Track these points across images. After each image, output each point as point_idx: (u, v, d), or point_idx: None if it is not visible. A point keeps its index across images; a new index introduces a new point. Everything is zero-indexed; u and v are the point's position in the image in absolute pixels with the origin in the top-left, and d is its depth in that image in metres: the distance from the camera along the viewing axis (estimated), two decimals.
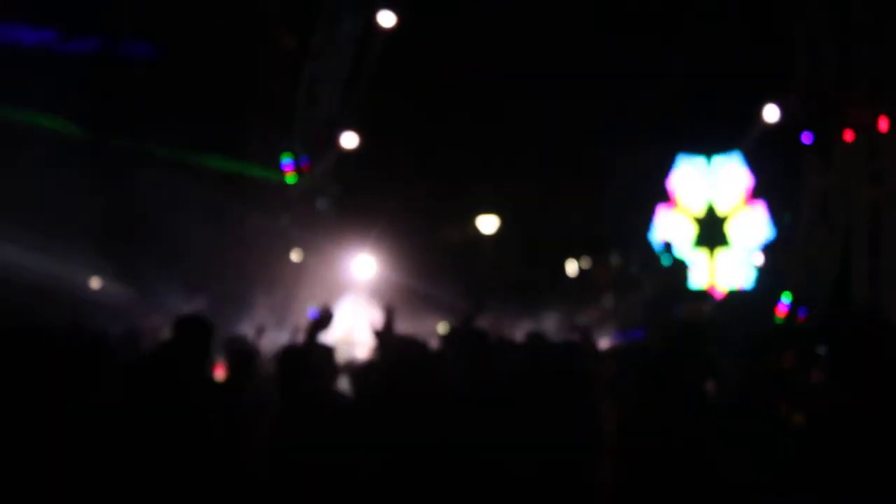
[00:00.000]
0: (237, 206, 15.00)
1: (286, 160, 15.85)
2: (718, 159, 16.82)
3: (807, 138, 15.57)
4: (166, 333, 10.91)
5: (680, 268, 15.33)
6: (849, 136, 15.21)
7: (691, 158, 16.86)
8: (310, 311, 13.87)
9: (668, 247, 15.37)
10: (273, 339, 10.87)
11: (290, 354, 5.38)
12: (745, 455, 4.67)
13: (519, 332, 9.58)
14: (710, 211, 16.63)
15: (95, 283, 14.86)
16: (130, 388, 4.50)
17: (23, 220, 13.12)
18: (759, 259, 16.09)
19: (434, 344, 7.95)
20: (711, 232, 16.51)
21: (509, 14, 14.54)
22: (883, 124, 14.79)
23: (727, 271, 16.38)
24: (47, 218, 13.59)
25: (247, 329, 11.60)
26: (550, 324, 12.53)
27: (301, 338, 6.39)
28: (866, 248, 15.07)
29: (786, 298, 15.46)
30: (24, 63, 13.81)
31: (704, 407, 5.08)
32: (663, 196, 16.65)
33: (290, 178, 15.82)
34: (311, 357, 5.43)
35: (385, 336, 6.16)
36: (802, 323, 14.67)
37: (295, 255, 15.62)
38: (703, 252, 16.68)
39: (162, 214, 14.14)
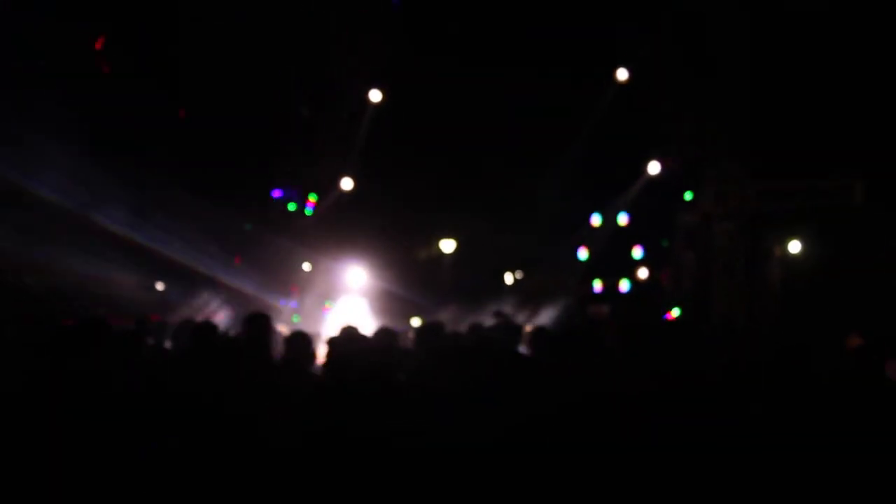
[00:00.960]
0: (265, 230, 16.14)
1: (302, 198, 16.64)
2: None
3: (687, 191, 16.38)
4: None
5: (588, 280, 16.91)
6: (688, 190, 16.19)
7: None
8: (324, 311, 14.81)
9: (580, 264, 16.82)
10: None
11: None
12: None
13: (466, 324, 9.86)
14: (610, 240, 17.03)
15: (160, 285, 15.64)
16: (217, 364, 4.92)
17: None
18: (644, 274, 16.95)
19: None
20: (610, 254, 16.92)
21: (465, 96, 15.30)
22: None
23: (621, 283, 16.97)
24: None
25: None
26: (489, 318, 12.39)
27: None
28: (721, 267, 16.25)
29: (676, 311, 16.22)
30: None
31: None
32: (577, 226, 17.19)
33: (306, 211, 16.72)
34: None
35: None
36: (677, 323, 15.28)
37: (306, 267, 16.38)
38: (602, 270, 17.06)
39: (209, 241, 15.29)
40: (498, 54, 15.40)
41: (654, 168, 16.39)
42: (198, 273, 15.27)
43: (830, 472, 4.05)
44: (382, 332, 6.83)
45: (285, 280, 16.09)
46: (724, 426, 4.22)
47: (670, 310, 16.13)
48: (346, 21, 16.18)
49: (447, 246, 18.71)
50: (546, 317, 15.04)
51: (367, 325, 11.36)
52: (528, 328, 8.34)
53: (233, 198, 15.97)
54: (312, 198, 16.58)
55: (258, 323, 5.82)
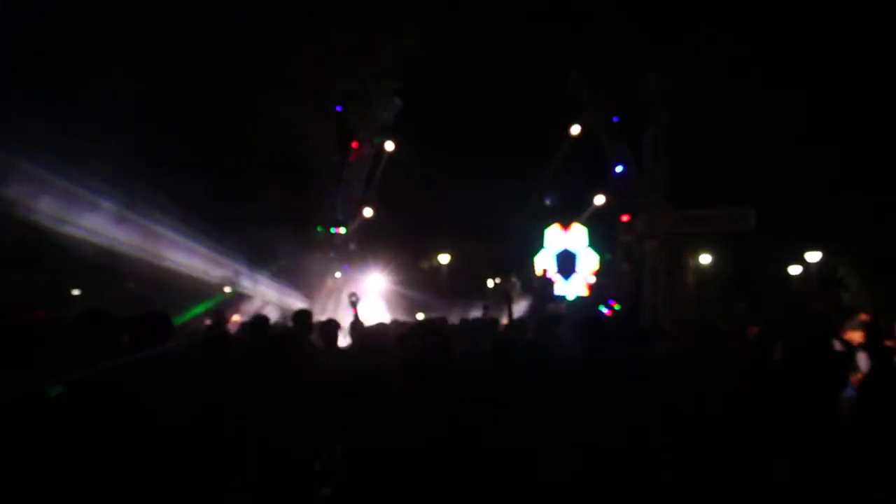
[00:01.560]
0: (306, 249, 16.91)
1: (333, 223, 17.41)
2: (573, 224, 17.72)
3: (624, 217, 17.34)
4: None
5: (549, 284, 17.17)
6: (625, 217, 17.16)
7: (554, 226, 17.72)
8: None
9: (544, 272, 17.18)
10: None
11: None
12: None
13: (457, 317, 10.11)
14: (566, 252, 17.54)
15: (227, 288, 16.17)
16: (277, 350, 4.78)
17: None
18: (592, 279, 17.48)
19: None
20: (566, 264, 17.45)
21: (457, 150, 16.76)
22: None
23: (575, 286, 17.44)
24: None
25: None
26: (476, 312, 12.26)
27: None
28: (650, 274, 17.23)
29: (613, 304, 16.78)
30: None
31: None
32: (541, 244, 17.72)
33: (336, 232, 17.38)
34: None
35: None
36: (614, 314, 16.18)
37: (337, 275, 17.00)
38: (561, 275, 17.47)
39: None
40: (480, 129, 16.86)
41: (599, 200, 17.53)
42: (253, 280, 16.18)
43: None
44: (397, 324, 7.11)
45: (322, 286, 16.88)
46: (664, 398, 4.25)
47: (612, 307, 16.79)
48: (363, 94, 17.06)
49: (444, 258, 20.01)
50: (517, 311, 14.71)
51: (383, 318, 11.99)
52: (505, 321, 8.74)
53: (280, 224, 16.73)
54: (342, 229, 17.32)
55: (303, 316, 6.27)
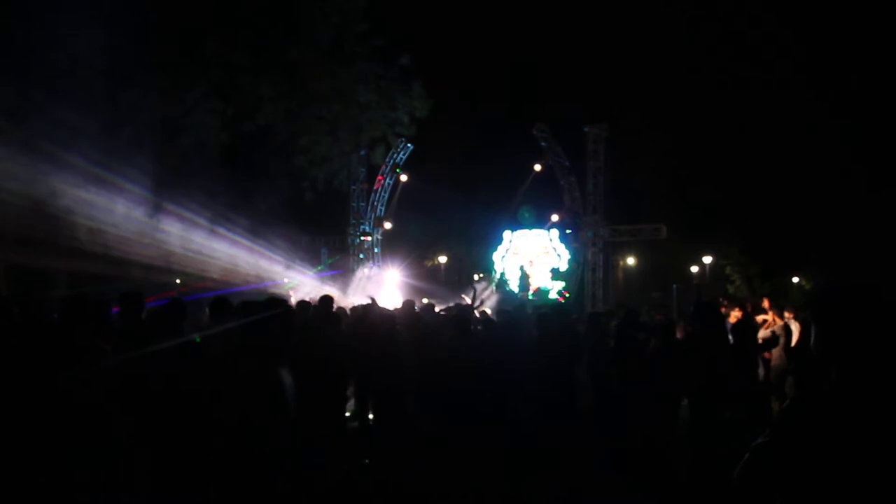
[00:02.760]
0: (342, 252, 19.18)
1: (362, 233, 19.25)
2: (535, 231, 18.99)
3: (571, 230, 18.83)
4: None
5: (524, 279, 18.54)
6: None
7: (517, 231, 18.94)
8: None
9: (521, 269, 18.68)
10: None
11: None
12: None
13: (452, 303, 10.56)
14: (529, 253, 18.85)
15: (287, 279, 17.51)
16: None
17: None
18: (549, 275, 18.81)
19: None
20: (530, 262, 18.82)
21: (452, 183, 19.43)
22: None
23: (538, 280, 18.58)
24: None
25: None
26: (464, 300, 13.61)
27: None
28: (591, 272, 18.48)
29: (565, 293, 18.29)
30: None
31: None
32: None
33: (364, 239, 19.15)
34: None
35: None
36: (565, 301, 17.60)
37: (365, 270, 18.66)
38: (528, 272, 18.61)
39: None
40: (469, 165, 19.30)
41: (555, 217, 19.41)
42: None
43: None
44: (409, 303, 7.56)
45: (354, 279, 18.68)
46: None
47: (564, 295, 18.51)
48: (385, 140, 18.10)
49: (442, 259, 21.74)
50: (492, 301, 16.48)
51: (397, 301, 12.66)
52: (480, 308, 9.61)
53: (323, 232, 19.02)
54: (369, 237, 19.36)
55: (326, 299, 6.52)
